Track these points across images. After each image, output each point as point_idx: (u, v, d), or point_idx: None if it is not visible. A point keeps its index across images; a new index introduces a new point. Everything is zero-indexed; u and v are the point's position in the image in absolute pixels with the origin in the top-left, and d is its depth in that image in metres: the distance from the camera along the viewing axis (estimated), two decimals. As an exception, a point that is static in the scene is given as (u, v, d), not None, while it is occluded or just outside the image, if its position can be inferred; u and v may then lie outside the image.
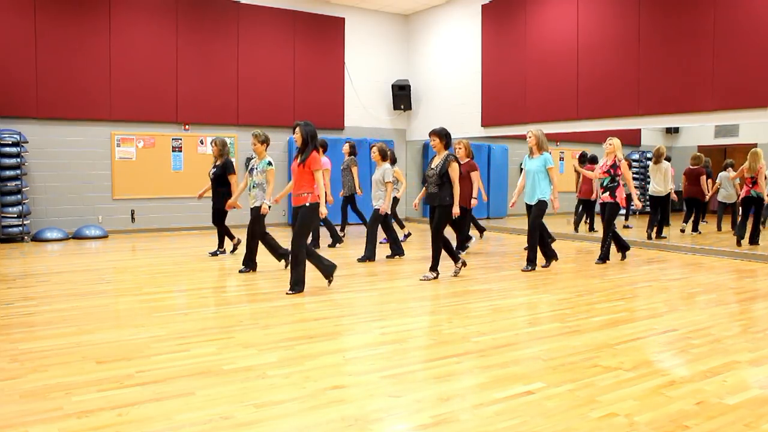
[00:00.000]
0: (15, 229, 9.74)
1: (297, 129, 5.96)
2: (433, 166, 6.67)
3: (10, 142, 9.58)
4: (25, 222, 9.83)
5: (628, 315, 5.26)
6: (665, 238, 10.30)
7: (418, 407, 3.15)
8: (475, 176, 8.48)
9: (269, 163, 7.05)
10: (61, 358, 3.89)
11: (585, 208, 11.20)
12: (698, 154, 11.43)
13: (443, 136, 6.61)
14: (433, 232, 6.70)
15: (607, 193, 7.79)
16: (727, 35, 8.62)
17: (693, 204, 11.11)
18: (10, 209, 9.69)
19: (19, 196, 9.73)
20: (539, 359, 3.96)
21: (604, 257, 7.96)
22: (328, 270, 6.19)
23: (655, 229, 10.34)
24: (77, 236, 10.42)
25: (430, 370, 3.75)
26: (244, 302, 5.60)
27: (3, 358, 3.87)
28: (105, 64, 10.77)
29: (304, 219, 5.89)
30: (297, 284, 5.92)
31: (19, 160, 9.67)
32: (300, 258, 5.90)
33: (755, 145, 10.58)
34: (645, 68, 9.57)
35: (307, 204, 5.88)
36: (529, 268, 7.37)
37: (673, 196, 10.48)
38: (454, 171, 6.53)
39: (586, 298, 5.90)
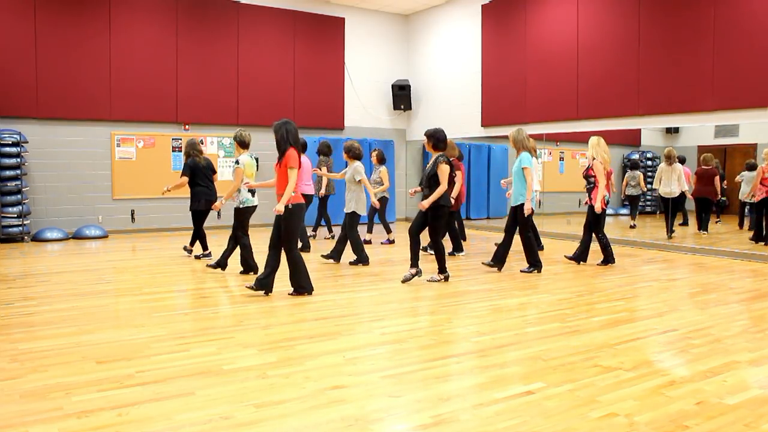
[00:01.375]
0: (15, 229, 9.74)
1: (275, 128, 5.77)
2: (427, 168, 6.58)
3: (10, 142, 9.58)
4: (25, 222, 9.83)
5: (628, 315, 5.26)
6: (674, 236, 10.43)
7: (418, 407, 3.16)
8: (458, 177, 8.43)
9: (237, 162, 6.95)
10: (61, 358, 3.90)
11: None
12: (710, 154, 11.45)
13: (429, 136, 6.50)
14: (431, 237, 6.61)
15: (586, 195, 7.78)
16: (727, 35, 8.62)
17: (704, 204, 11.15)
18: (10, 209, 9.68)
19: (19, 196, 9.73)
20: (539, 359, 3.96)
21: (580, 255, 8.01)
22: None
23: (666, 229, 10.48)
24: (77, 236, 10.42)
25: (430, 370, 3.75)
26: (244, 302, 5.60)
27: (3, 358, 3.88)
28: (105, 64, 10.76)
29: (288, 223, 5.69)
30: (301, 288, 5.84)
31: (19, 160, 9.66)
32: (297, 262, 5.77)
33: (755, 146, 10.62)
34: (645, 68, 9.57)
35: (290, 206, 5.67)
36: (530, 269, 7.42)
37: (689, 196, 10.65)
38: (442, 173, 6.36)
39: (586, 298, 5.91)
